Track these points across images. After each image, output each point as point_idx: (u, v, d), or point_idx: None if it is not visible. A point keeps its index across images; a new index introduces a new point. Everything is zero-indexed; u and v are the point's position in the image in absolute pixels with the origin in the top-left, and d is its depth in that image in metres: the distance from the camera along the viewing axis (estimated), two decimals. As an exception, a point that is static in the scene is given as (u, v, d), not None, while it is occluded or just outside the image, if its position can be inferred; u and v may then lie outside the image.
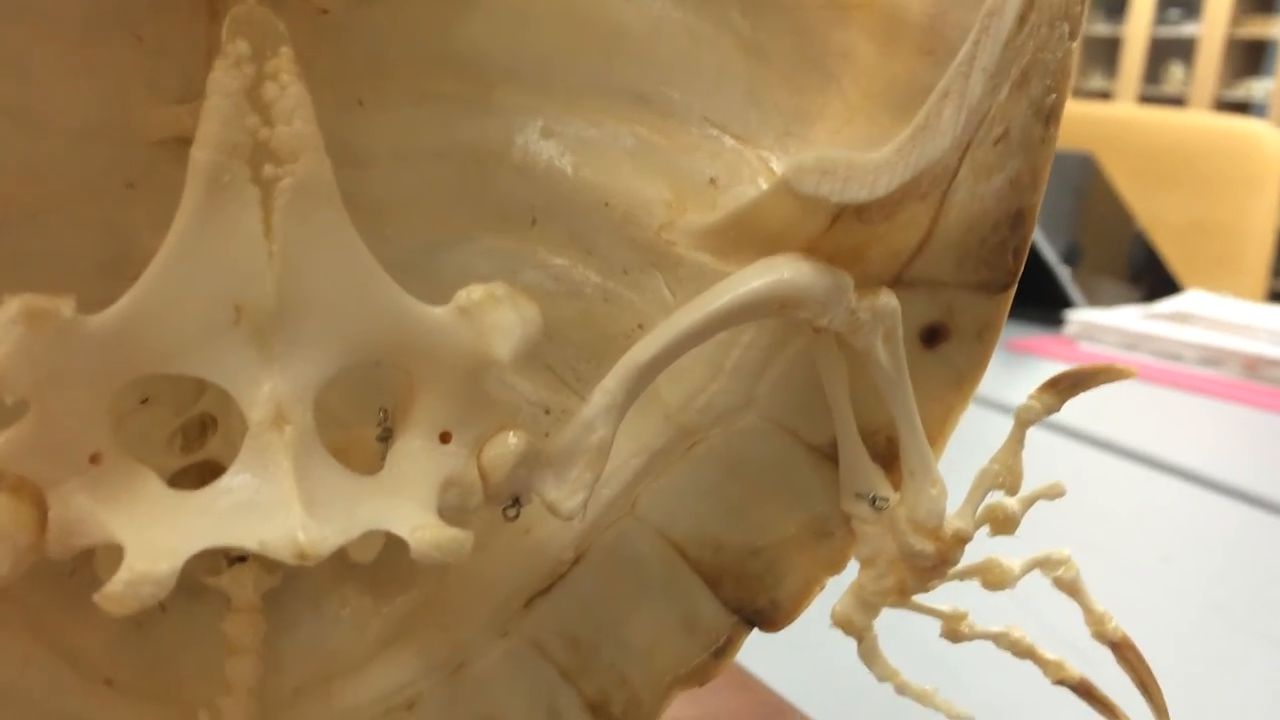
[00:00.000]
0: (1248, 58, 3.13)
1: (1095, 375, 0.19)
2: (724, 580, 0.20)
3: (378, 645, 0.20)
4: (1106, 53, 3.35)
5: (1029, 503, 0.20)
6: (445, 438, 0.17)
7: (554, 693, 0.20)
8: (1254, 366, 0.97)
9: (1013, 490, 0.19)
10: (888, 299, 0.18)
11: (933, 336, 0.19)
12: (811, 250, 0.18)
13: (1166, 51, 3.21)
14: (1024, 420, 0.19)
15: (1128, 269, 1.44)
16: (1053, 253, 1.21)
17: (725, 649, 0.21)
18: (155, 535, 0.15)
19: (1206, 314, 1.12)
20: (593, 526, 0.20)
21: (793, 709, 0.38)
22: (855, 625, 0.20)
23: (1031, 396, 0.19)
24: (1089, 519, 0.69)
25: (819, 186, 0.16)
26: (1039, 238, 1.20)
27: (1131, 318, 1.08)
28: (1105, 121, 1.79)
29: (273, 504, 0.15)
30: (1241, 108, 2.92)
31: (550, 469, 0.17)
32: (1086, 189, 1.45)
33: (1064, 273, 1.20)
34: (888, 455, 0.20)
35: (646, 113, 0.21)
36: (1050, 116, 0.18)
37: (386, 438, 0.17)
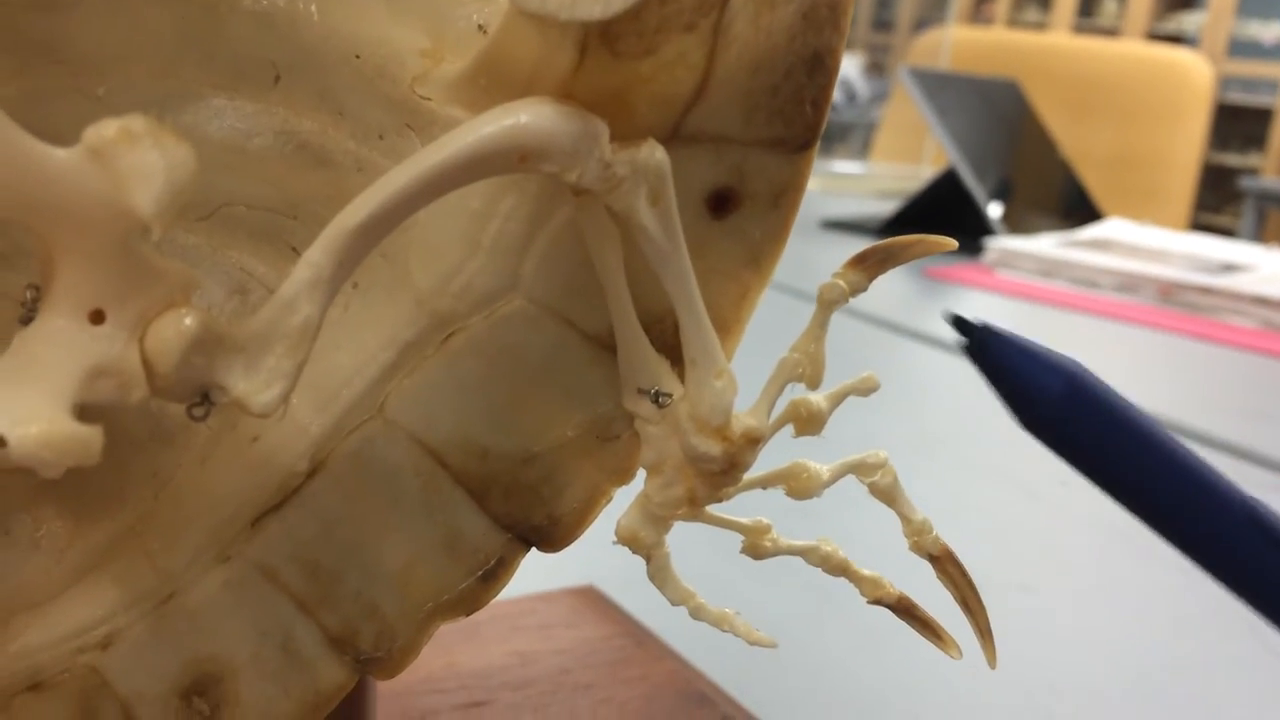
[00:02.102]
0: (1180, -10, 3.13)
1: (907, 248, 0.16)
2: (492, 492, 0.18)
3: (74, 576, 0.17)
4: (1041, -15, 3.34)
5: (837, 399, 0.17)
6: (97, 317, 0.14)
7: (288, 626, 0.17)
8: (1169, 292, 0.96)
9: (814, 383, 0.17)
10: (651, 151, 0.15)
11: (721, 203, 0.16)
12: (566, 97, 0.15)
13: (1100, -16, 3.20)
14: (827, 301, 0.17)
15: (1059, 203, 1.43)
16: (981, 189, 1.19)
17: (496, 572, 0.18)
18: None
19: (1124, 240, 1.11)
20: (332, 432, 0.17)
21: (655, 639, 0.36)
22: (642, 542, 0.18)
23: (837, 274, 0.17)
24: (993, 444, 0.68)
25: (545, 2, 0.13)
26: (959, 165, 1.18)
27: (1049, 245, 1.07)
28: (1035, 50, 1.77)
29: None
30: (1174, 41, 2.92)
31: (240, 356, 0.14)
32: (1015, 120, 1.43)
33: (984, 199, 1.18)
34: (677, 346, 0.17)
35: (410, -49, 0.18)
36: (847, -68, 0.15)
37: (31, 319, 0.14)
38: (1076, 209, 1.37)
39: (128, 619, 0.17)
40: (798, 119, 0.16)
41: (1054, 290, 1.00)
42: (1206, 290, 0.95)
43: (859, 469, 0.18)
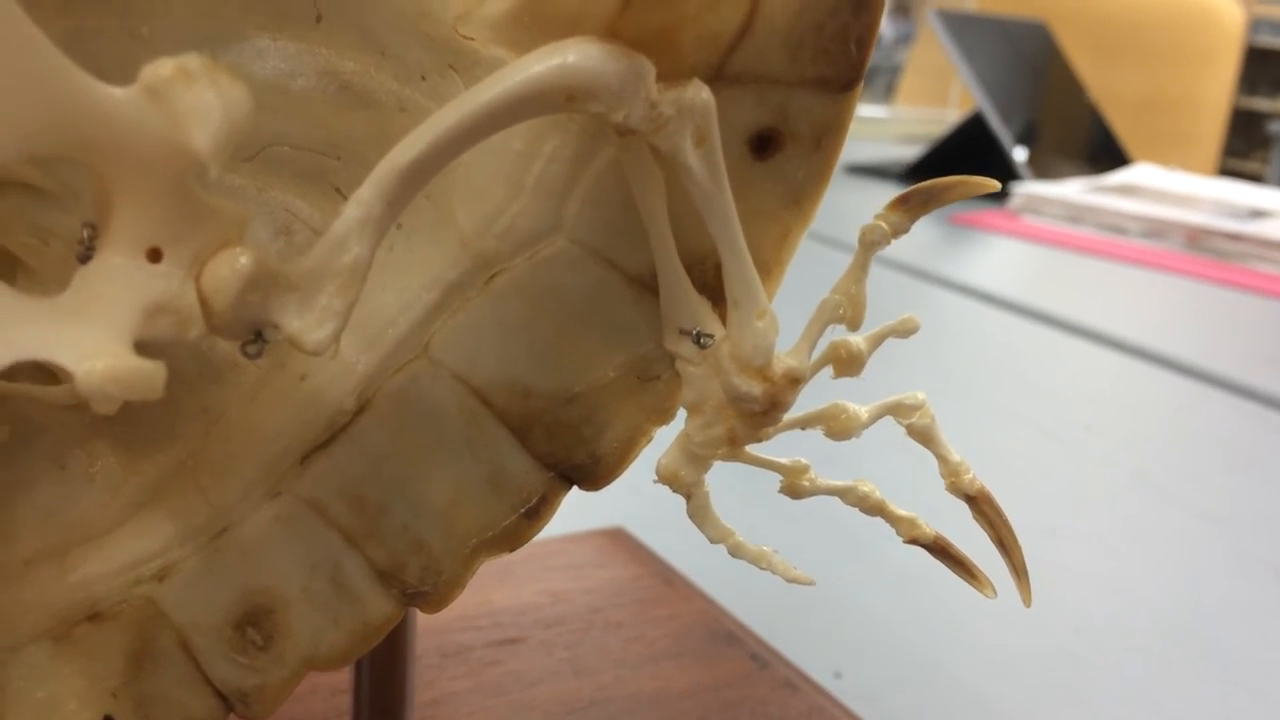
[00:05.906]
0: (1213, -71, 3.05)
1: (949, 189, 0.16)
2: (535, 431, 0.18)
3: (129, 510, 0.17)
4: (1071, -76, 3.26)
5: (877, 340, 0.17)
6: (154, 255, 0.14)
7: (336, 560, 0.18)
8: (1197, 238, 0.95)
9: (855, 324, 0.17)
10: (697, 91, 0.15)
11: (764, 144, 0.17)
12: (612, 36, 0.15)
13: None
14: (868, 242, 0.17)
15: (1086, 148, 1.41)
16: (1007, 133, 1.18)
17: (539, 509, 0.18)
18: None
19: (1152, 186, 1.10)
20: (378, 370, 0.17)
21: (683, 579, 0.37)
22: (683, 481, 0.18)
23: (879, 215, 0.17)
24: (1017, 390, 0.68)
25: (595, -61, 0.13)
26: (986, 108, 1.17)
27: (1076, 190, 1.06)
28: (1063, -9, 1.74)
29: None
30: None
31: (293, 295, 0.14)
32: (1042, 62, 1.40)
33: (1010, 143, 1.17)
34: (718, 287, 0.17)
35: (450, -112, 0.18)
36: None
37: (89, 258, 0.14)
38: (1104, 153, 1.36)
39: (183, 552, 0.17)
40: (842, 58, 0.16)
41: (1080, 236, 1.00)
42: (1234, 236, 0.94)
43: (897, 410, 0.18)
